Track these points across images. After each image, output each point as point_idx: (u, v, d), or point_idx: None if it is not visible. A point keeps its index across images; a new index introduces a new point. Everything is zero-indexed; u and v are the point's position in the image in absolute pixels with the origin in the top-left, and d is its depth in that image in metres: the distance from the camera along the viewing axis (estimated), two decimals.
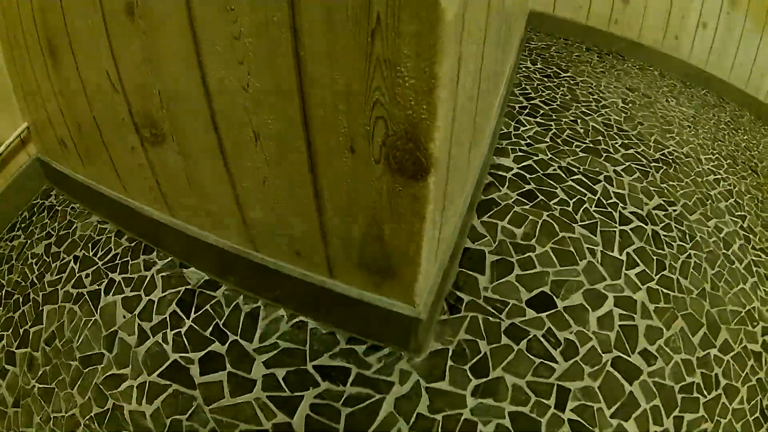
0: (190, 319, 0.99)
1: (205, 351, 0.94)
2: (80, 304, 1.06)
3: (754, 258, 1.35)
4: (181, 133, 0.85)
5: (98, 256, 1.14)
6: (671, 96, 2.06)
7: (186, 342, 0.96)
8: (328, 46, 0.61)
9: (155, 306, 1.02)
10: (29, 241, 1.23)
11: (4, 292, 1.15)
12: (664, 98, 2.01)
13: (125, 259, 1.12)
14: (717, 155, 1.73)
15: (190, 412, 0.87)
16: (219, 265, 1.02)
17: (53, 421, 0.92)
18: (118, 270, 1.10)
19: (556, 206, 1.24)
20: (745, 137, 2.01)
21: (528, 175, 1.33)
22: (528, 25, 2.31)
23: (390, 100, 0.61)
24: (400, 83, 0.60)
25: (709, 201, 1.47)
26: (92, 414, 0.90)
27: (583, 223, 1.21)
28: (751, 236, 1.42)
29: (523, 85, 1.78)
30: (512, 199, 1.24)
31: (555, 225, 1.19)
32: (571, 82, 1.88)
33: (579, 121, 1.62)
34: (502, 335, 0.96)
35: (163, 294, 1.04)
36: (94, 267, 1.12)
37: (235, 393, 0.88)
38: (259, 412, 0.86)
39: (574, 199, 1.28)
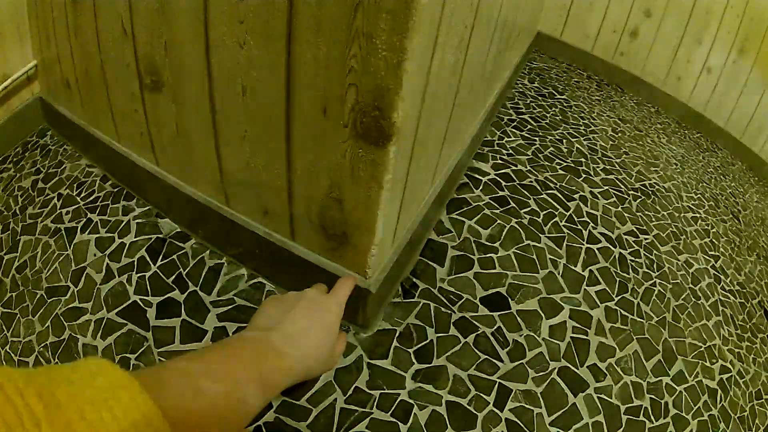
0: (156, 265, 1.01)
1: (165, 297, 0.96)
2: (56, 238, 1.08)
3: (721, 298, 1.35)
4: (178, 81, 0.88)
5: (81, 196, 1.16)
6: (663, 134, 2.09)
7: (148, 286, 0.97)
8: (316, 16, 0.65)
9: (126, 249, 1.04)
10: (18, 175, 1.25)
11: None
12: (655, 134, 2.03)
13: (106, 203, 1.14)
14: (699, 195, 1.75)
15: (140, 351, 0.89)
16: (191, 217, 1.05)
17: (10, 344, 0.93)
18: (97, 211, 1.12)
19: (526, 215, 1.25)
20: (732, 184, 2.03)
21: (504, 183, 1.35)
22: (534, 47, 2.34)
23: (363, 69, 0.65)
24: (373, 54, 0.63)
25: (684, 236, 1.48)
26: (48, 342, 0.92)
27: (551, 235, 1.22)
28: (722, 277, 1.43)
29: (516, 100, 1.80)
30: (483, 202, 1.25)
31: (522, 232, 1.20)
32: (564, 104, 1.90)
33: (564, 141, 1.64)
34: (451, 326, 0.97)
35: (135, 239, 1.05)
36: (75, 206, 1.14)
37: (185, 340, 0.90)
38: None
39: (545, 212, 1.29)
